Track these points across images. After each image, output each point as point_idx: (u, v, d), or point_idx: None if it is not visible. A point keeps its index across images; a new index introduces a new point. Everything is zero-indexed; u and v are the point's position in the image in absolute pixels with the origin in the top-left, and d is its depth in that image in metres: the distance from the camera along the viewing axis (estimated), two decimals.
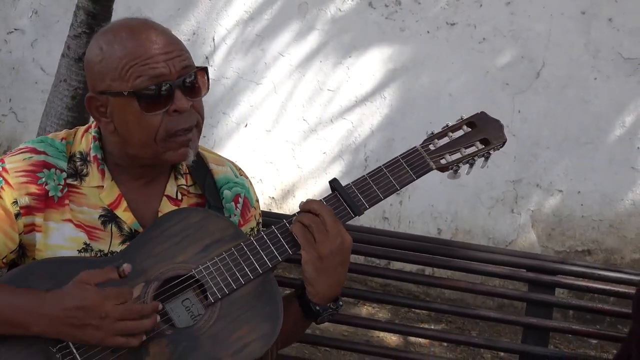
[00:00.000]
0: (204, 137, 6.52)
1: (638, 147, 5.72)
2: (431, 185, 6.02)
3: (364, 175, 2.19)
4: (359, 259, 4.75)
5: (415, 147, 2.23)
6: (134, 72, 2.02)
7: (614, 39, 5.71)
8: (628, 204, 5.79)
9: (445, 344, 5.26)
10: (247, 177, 2.38)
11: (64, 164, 2.16)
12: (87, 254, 2.13)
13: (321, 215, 2.10)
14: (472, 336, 5.04)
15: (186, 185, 2.25)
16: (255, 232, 2.34)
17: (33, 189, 2.11)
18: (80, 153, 2.19)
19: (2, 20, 7.16)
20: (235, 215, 2.29)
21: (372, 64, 6.20)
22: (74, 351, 1.96)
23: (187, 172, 2.26)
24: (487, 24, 5.93)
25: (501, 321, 3.02)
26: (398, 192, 5.59)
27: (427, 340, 5.26)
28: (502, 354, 5.23)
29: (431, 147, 2.22)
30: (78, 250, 2.12)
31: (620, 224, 5.81)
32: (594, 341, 5.52)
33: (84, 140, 2.21)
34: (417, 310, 5.70)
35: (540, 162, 5.91)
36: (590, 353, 5.36)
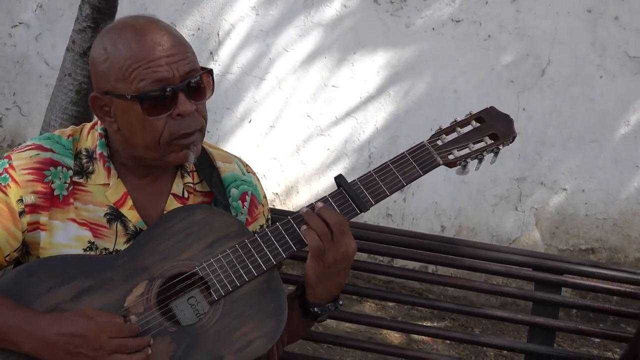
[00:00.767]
0: (208, 132, 6.47)
1: None
2: (435, 182, 6.01)
3: (369, 171, 2.16)
4: (363, 256, 4.75)
5: (422, 142, 2.20)
6: (138, 75, 2.00)
7: (620, 38, 5.70)
8: (632, 202, 5.78)
9: (448, 341, 5.24)
10: (254, 174, 2.36)
11: (70, 162, 2.15)
12: (92, 253, 2.12)
13: (330, 225, 2.06)
14: (477, 335, 5.04)
15: (193, 183, 2.24)
16: (266, 229, 2.33)
17: (39, 187, 2.10)
18: (87, 150, 2.18)
19: (6, 14, 7.15)
20: (242, 213, 2.27)
21: (377, 60, 6.19)
22: None
23: (194, 169, 2.25)
24: (492, 22, 5.92)
25: (507, 320, 3.01)
26: (403, 188, 5.57)
27: (430, 338, 5.25)
28: (505, 352, 5.22)
29: (439, 142, 2.20)
30: (83, 249, 2.11)
31: (624, 223, 5.80)
32: (597, 340, 5.51)
33: (90, 137, 2.19)
34: (420, 308, 5.69)
35: (545, 160, 5.90)
36: (593, 352, 5.35)
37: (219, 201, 2.22)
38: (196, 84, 2.06)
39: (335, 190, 2.15)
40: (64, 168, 2.14)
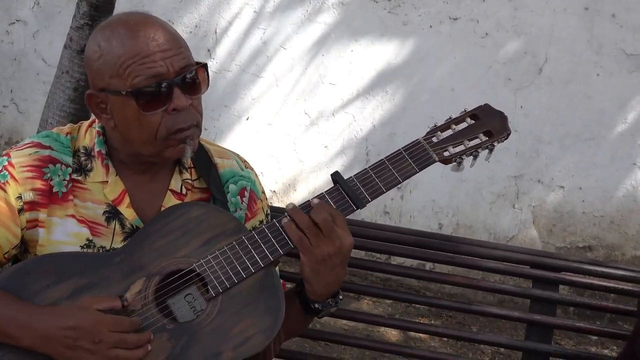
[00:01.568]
0: (206, 129, 6.50)
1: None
2: (432, 180, 6.01)
3: (366, 168, 2.16)
4: (360, 253, 4.74)
5: (418, 139, 2.20)
6: (132, 70, 2.00)
7: (617, 35, 5.70)
8: (629, 200, 5.78)
9: (445, 339, 5.25)
10: (252, 169, 2.36)
11: (69, 159, 2.15)
12: (90, 250, 2.11)
13: (317, 219, 2.05)
14: (475, 332, 5.04)
15: (191, 180, 2.23)
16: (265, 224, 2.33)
17: (38, 184, 2.10)
18: (85, 148, 2.17)
19: (4, 11, 7.15)
20: (241, 209, 2.27)
21: (374, 57, 6.19)
22: None
23: (192, 166, 2.24)
24: (489, 19, 5.92)
25: (505, 318, 3.01)
26: (400, 185, 5.57)
27: (427, 335, 5.25)
28: (502, 349, 5.22)
29: (434, 139, 2.20)
30: (81, 246, 2.11)
31: (621, 221, 5.81)
32: (595, 337, 5.51)
33: (88, 135, 2.19)
34: (417, 305, 5.70)
35: (542, 157, 5.90)
36: (590, 349, 5.36)
37: (216, 198, 2.22)
38: (191, 78, 2.06)
39: (332, 187, 2.15)
40: (63, 165, 2.14)
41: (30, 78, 7.09)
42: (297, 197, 6.39)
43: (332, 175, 2.16)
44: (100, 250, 2.12)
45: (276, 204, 6.33)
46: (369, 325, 5.08)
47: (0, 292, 1.98)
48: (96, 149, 2.16)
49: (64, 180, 2.13)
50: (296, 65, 6.38)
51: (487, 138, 2.23)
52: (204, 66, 2.11)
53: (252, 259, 2.07)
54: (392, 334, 5.26)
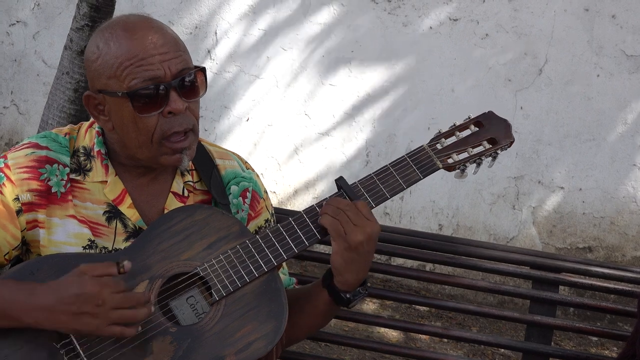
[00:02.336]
0: (206, 130, 6.51)
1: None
2: (433, 181, 6.01)
3: (370, 174, 2.18)
4: None
5: (422, 146, 2.21)
6: (129, 72, 2.00)
7: (617, 36, 5.70)
8: (629, 201, 5.79)
9: (445, 339, 5.25)
10: (253, 170, 2.36)
11: (66, 159, 2.15)
12: (92, 251, 2.11)
13: (341, 207, 2.08)
14: (475, 333, 5.04)
15: (192, 182, 2.24)
16: (272, 222, 2.34)
17: (35, 185, 2.11)
18: (84, 148, 2.18)
19: (4, 12, 7.15)
20: (243, 210, 2.28)
21: (374, 59, 6.19)
22: (78, 347, 1.95)
23: (194, 168, 2.25)
24: (489, 20, 5.93)
25: (505, 318, 3.01)
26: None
27: (428, 336, 5.25)
28: (502, 350, 5.22)
29: (438, 146, 2.21)
30: (83, 247, 2.11)
31: (621, 221, 5.81)
32: (595, 338, 5.52)
33: (88, 135, 2.20)
34: (418, 306, 5.70)
35: (542, 158, 5.91)
36: (590, 350, 5.36)
37: (218, 200, 2.22)
38: (189, 82, 2.06)
39: (336, 193, 2.16)
40: (60, 165, 2.14)
41: (31, 79, 7.09)
42: (298, 198, 6.39)
43: (336, 180, 2.17)
44: (103, 251, 2.12)
45: (276, 206, 6.32)
46: (369, 326, 5.09)
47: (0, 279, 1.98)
48: (95, 148, 2.16)
49: (62, 180, 2.13)
50: (296, 66, 6.38)
51: (490, 146, 2.24)
52: (202, 70, 2.11)
53: (256, 264, 2.07)
54: (392, 335, 5.27)
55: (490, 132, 2.25)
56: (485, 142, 2.24)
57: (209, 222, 2.10)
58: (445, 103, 5.99)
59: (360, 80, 6.23)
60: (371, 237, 2.09)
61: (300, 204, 6.35)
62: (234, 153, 2.37)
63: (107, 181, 2.15)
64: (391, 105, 6.18)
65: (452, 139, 2.23)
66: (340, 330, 5.12)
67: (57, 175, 2.13)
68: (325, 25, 6.29)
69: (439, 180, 6.03)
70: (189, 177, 2.23)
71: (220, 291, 2.03)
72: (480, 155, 2.23)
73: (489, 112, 2.29)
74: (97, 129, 2.19)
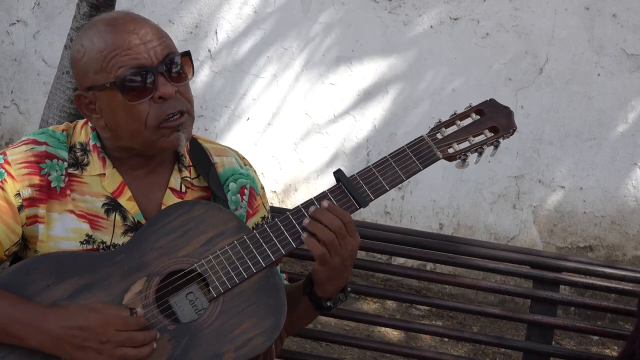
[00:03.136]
0: (206, 130, 6.51)
1: None
2: (433, 180, 6.01)
3: (369, 166, 2.15)
4: (361, 254, 4.72)
5: (421, 136, 2.18)
6: (115, 63, 2.02)
7: (617, 35, 5.70)
8: (630, 200, 5.78)
9: (446, 339, 5.25)
10: (251, 166, 2.36)
11: (65, 154, 2.15)
12: (89, 246, 2.11)
13: (335, 232, 2.06)
14: (475, 332, 5.04)
15: (190, 178, 2.24)
16: (268, 219, 2.34)
17: (36, 180, 2.11)
18: (80, 144, 2.18)
19: (4, 12, 7.15)
20: (241, 207, 2.27)
21: (374, 58, 6.18)
22: None
23: (191, 164, 2.24)
24: (490, 19, 5.92)
25: (506, 318, 3.01)
26: (401, 186, 5.57)
27: (428, 336, 5.25)
28: (503, 350, 5.22)
29: (438, 135, 2.18)
30: (80, 242, 2.11)
31: (622, 221, 5.81)
32: (595, 338, 5.51)
33: (83, 131, 2.20)
34: (418, 306, 5.70)
35: (543, 158, 5.90)
36: (591, 349, 5.36)
37: (217, 196, 2.22)
38: (175, 66, 2.07)
39: (335, 186, 2.14)
40: (59, 160, 2.14)
41: (31, 78, 7.09)
42: (298, 197, 6.38)
43: (334, 173, 2.15)
44: (101, 245, 2.12)
45: (277, 205, 6.32)
46: (370, 326, 5.09)
47: (4, 292, 1.98)
48: (91, 143, 2.17)
49: (62, 175, 2.13)
50: (297, 65, 6.38)
51: (492, 134, 2.21)
52: (187, 54, 2.12)
53: (254, 259, 2.06)
54: (393, 335, 5.26)
55: (491, 121, 2.21)
56: (486, 131, 2.21)
57: (206, 218, 2.09)
58: (445, 102, 5.98)
59: (361, 79, 6.22)
60: (352, 253, 2.10)
61: (300, 203, 6.33)
62: (231, 149, 2.37)
63: (105, 174, 2.15)
64: (392, 104, 6.17)
65: (453, 128, 2.21)
66: (341, 329, 5.12)
67: (56, 170, 2.13)
68: (325, 24, 6.29)
69: (440, 180, 6.03)
70: (186, 173, 2.23)
71: (218, 288, 2.03)
72: (481, 144, 2.20)
73: (490, 99, 2.26)
74: (91, 124, 2.19)
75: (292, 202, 6.41)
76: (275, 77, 6.44)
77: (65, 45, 4.31)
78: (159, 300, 2.01)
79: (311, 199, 2.12)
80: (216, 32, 6.56)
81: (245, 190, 2.30)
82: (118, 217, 2.14)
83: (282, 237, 2.09)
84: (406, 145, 2.16)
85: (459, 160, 2.20)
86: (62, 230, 2.11)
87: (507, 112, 2.24)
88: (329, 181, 6.22)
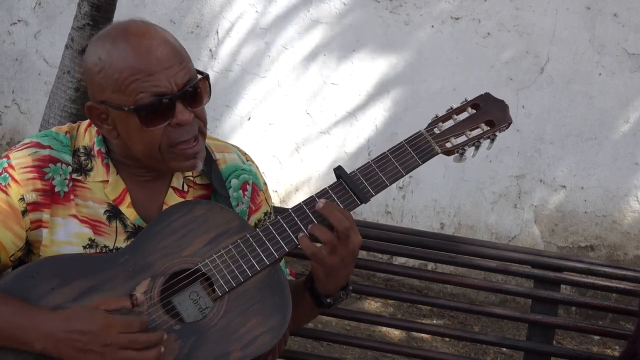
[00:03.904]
0: (207, 129, 6.50)
1: None
2: (434, 179, 6.01)
3: (369, 162, 2.16)
4: (362, 253, 4.72)
5: (420, 131, 2.21)
6: (136, 87, 1.97)
7: (619, 35, 5.70)
8: (631, 200, 5.78)
9: (447, 339, 5.25)
10: (253, 162, 2.37)
11: (68, 158, 2.14)
12: (93, 250, 2.11)
13: (338, 232, 2.06)
14: (476, 332, 5.04)
15: (192, 177, 2.23)
16: (271, 215, 2.34)
17: (40, 184, 2.09)
18: (85, 147, 2.17)
19: (5, 12, 7.15)
20: (243, 203, 2.27)
21: (376, 58, 6.18)
22: None
23: None
24: (491, 19, 5.92)
25: (507, 318, 3.00)
26: (402, 185, 5.58)
27: (429, 335, 5.25)
28: (504, 349, 5.22)
29: (436, 130, 2.20)
30: (83, 246, 2.11)
31: (623, 220, 5.81)
32: (597, 337, 5.51)
33: (88, 134, 2.18)
34: (419, 305, 5.70)
35: (544, 157, 5.90)
36: (592, 349, 5.36)
37: (218, 193, 2.21)
38: (193, 91, 2.05)
39: (335, 182, 2.15)
40: (63, 164, 2.13)
41: (32, 78, 7.10)
42: (299, 197, 6.38)
43: (335, 169, 2.16)
44: (104, 250, 2.11)
45: (278, 204, 6.33)
46: (371, 325, 5.09)
47: (8, 297, 1.98)
48: (96, 147, 2.15)
49: (65, 179, 2.12)
50: (298, 65, 6.38)
51: (488, 128, 2.23)
52: (206, 77, 2.10)
53: (258, 257, 2.06)
54: (394, 334, 5.26)
55: (487, 114, 2.23)
56: (483, 125, 2.22)
57: (208, 217, 2.09)
58: (446, 102, 5.91)
59: (362, 78, 6.22)
60: (353, 251, 2.09)
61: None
62: (233, 145, 2.37)
63: (108, 180, 2.14)
64: (393, 104, 6.17)
65: (450, 123, 2.23)
66: (342, 329, 5.12)
67: (60, 175, 2.12)
68: (326, 24, 6.29)
69: (441, 179, 6.03)
70: (188, 172, 2.22)
71: (222, 287, 2.02)
72: (478, 138, 2.22)
73: (485, 93, 2.28)
74: (96, 128, 2.18)
75: (294, 201, 6.41)
76: (276, 76, 6.44)
77: (66, 45, 4.31)
78: (164, 301, 2.01)
79: (312, 196, 2.13)
80: (217, 32, 6.56)
81: (247, 186, 2.30)
82: (119, 224, 2.14)
83: (284, 235, 2.09)
84: (405, 140, 2.19)
85: (457, 154, 2.22)
86: (66, 235, 2.11)
87: (502, 106, 2.26)
88: (330, 181, 6.16)
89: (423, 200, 6.16)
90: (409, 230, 3.13)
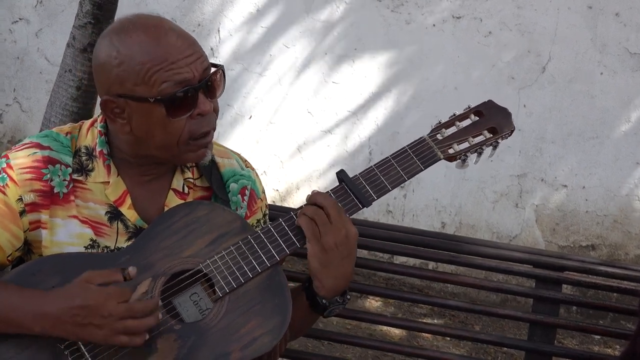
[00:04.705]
0: None
1: None
2: (435, 179, 6.01)
3: (371, 166, 2.17)
4: (363, 252, 4.74)
5: (422, 137, 2.21)
6: (159, 77, 1.97)
7: (620, 34, 5.70)
8: (633, 199, 5.78)
9: (448, 338, 5.25)
10: (253, 169, 2.36)
11: (69, 159, 2.14)
12: (94, 251, 2.11)
13: (325, 207, 2.08)
14: (478, 332, 5.04)
15: (192, 179, 2.23)
16: (262, 224, 2.33)
17: (38, 185, 2.09)
18: (86, 148, 2.16)
19: (7, 10, 7.14)
20: (242, 208, 2.27)
21: (377, 57, 6.18)
22: (82, 348, 1.95)
23: (194, 165, 2.24)
24: (493, 18, 5.92)
25: (508, 317, 3.01)
26: (403, 185, 5.56)
27: (430, 335, 5.25)
28: (505, 349, 5.22)
29: (439, 136, 2.21)
30: (84, 246, 2.11)
31: (624, 220, 5.81)
32: (598, 337, 5.51)
33: (90, 134, 2.18)
34: (420, 305, 5.70)
35: (545, 156, 5.90)
36: (593, 349, 5.36)
37: (218, 196, 2.22)
38: (212, 81, 2.06)
39: (337, 186, 2.16)
40: (63, 166, 2.13)
41: (33, 77, 7.09)
42: (300, 196, 6.38)
43: (337, 173, 2.17)
44: (105, 250, 2.11)
45: (278, 204, 6.32)
46: (372, 325, 5.09)
47: (2, 283, 1.98)
48: (98, 148, 2.15)
49: (65, 180, 2.12)
50: (299, 64, 6.38)
51: (491, 135, 2.24)
52: (222, 68, 2.11)
53: (259, 259, 2.07)
54: (395, 333, 5.26)
55: (490, 122, 2.24)
56: (485, 132, 2.23)
57: (210, 218, 2.10)
58: (448, 101, 5.98)
59: (363, 78, 6.22)
60: (347, 239, 2.09)
61: (302, 202, 6.33)
62: (234, 152, 2.37)
63: (109, 182, 2.14)
64: (394, 103, 6.17)
65: (453, 129, 2.23)
66: (343, 328, 5.12)
67: (59, 176, 2.12)
68: (328, 23, 6.29)
69: (442, 179, 6.03)
70: (189, 174, 2.22)
71: (223, 288, 2.03)
72: (481, 144, 2.23)
73: (488, 101, 2.29)
74: (99, 128, 2.17)
75: (294, 201, 6.40)
76: (277, 75, 6.43)
77: (67, 44, 4.30)
78: (164, 301, 2.01)
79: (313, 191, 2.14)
80: (218, 31, 6.56)
81: (245, 191, 2.30)
82: (120, 225, 2.14)
83: (286, 237, 2.10)
84: (407, 145, 2.20)
85: (459, 160, 2.23)
86: (66, 236, 2.11)
87: (505, 113, 2.27)
88: (331, 180, 6.22)
89: (424, 200, 6.16)
90: (410, 229, 3.13)
